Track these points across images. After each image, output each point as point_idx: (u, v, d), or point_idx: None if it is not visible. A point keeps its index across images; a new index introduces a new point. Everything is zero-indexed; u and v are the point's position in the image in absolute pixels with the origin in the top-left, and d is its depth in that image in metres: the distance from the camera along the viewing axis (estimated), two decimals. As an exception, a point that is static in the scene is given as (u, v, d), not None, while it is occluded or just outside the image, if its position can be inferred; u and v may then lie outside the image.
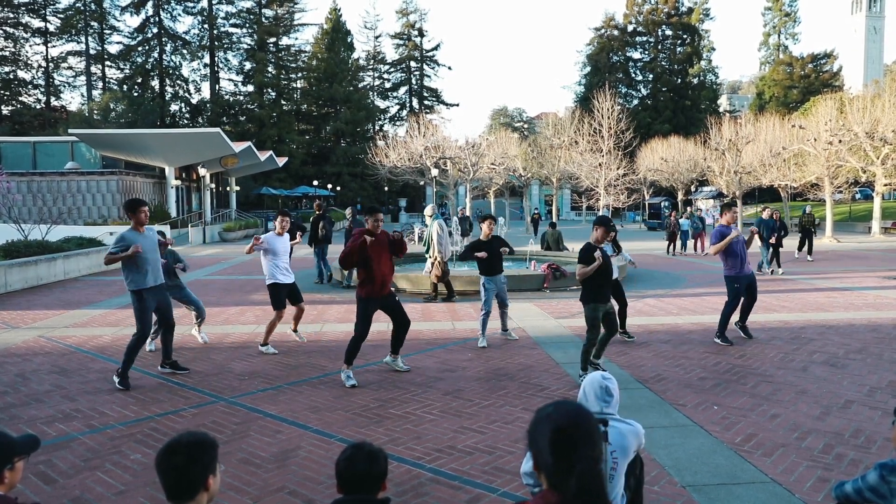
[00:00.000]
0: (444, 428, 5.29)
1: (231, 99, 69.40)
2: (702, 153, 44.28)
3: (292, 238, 8.90)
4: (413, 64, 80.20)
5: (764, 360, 7.46)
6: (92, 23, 64.62)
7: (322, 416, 5.62)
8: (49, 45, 63.95)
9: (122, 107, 54.22)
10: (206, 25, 67.94)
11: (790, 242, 20.92)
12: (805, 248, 20.00)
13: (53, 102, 64.57)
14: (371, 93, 78.24)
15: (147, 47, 66.73)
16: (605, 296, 6.75)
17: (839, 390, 6.22)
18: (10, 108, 60.61)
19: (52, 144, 38.89)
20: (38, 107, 62.56)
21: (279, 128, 64.42)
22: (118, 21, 73.59)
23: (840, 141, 29.71)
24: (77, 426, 5.45)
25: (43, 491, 4.19)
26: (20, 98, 62.04)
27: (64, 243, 17.80)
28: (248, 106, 68.07)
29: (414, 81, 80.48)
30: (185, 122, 66.88)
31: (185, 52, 67.58)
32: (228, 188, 48.43)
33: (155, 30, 66.35)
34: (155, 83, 66.74)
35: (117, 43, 67.15)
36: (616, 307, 7.80)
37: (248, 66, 69.15)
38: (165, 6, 66.31)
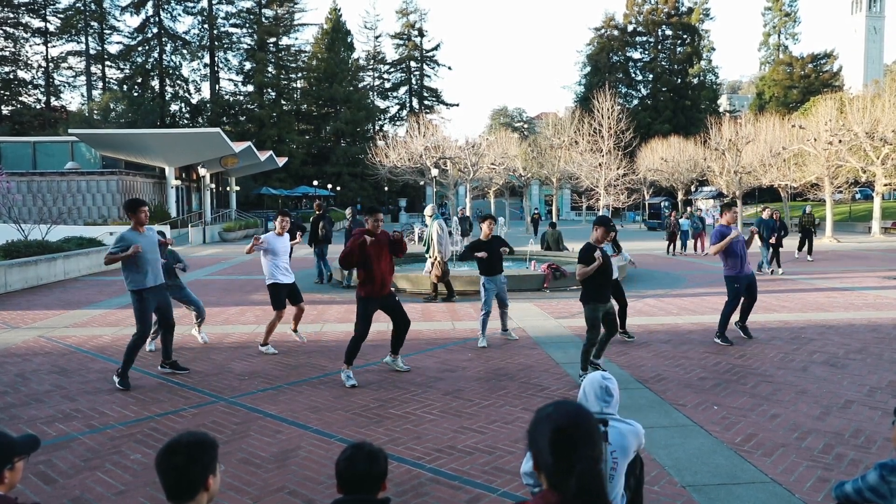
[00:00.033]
0: (444, 428, 5.29)
1: (231, 99, 69.42)
2: (702, 153, 44.28)
3: (292, 238, 8.90)
4: (413, 64, 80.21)
5: (764, 360, 7.47)
6: (92, 23, 64.64)
7: (322, 416, 5.62)
8: (49, 45, 64.02)
9: (122, 107, 54.23)
10: (206, 25, 67.96)
11: (790, 242, 20.92)
12: (805, 248, 20.00)
13: (53, 102, 64.59)
14: (371, 93, 78.25)
15: (147, 47, 66.75)
16: (605, 296, 6.75)
17: (839, 390, 6.22)
18: (10, 108, 60.62)
19: (52, 144, 38.90)
20: (38, 107, 62.57)
21: (279, 128, 64.43)
22: (118, 21, 73.72)
23: (840, 141, 29.71)
24: (77, 426, 5.45)
25: (43, 491, 4.19)
26: (20, 98, 62.06)
27: (64, 243, 17.81)
28: (248, 106, 68.09)
29: (414, 81, 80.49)
30: (185, 122, 66.89)
31: (185, 52, 67.62)
32: (228, 188, 48.44)
33: (155, 30, 66.37)
34: (155, 83, 66.76)
35: (117, 43, 67.29)
36: (616, 307, 7.80)
37: (248, 66, 69.19)
38: (165, 6, 66.33)
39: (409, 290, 13.24)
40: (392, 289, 6.93)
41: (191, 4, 67.40)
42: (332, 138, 72.63)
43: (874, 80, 62.70)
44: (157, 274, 6.72)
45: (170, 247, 8.08)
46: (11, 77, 61.16)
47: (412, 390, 6.37)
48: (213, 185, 43.86)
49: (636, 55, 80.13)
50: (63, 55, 65.05)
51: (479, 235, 8.82)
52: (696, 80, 75.82)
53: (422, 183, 45.41)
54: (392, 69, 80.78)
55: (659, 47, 78.54)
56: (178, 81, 67.56)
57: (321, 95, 69.40)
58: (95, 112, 53.45)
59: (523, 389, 6.37)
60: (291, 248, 8.63)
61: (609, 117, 46.80)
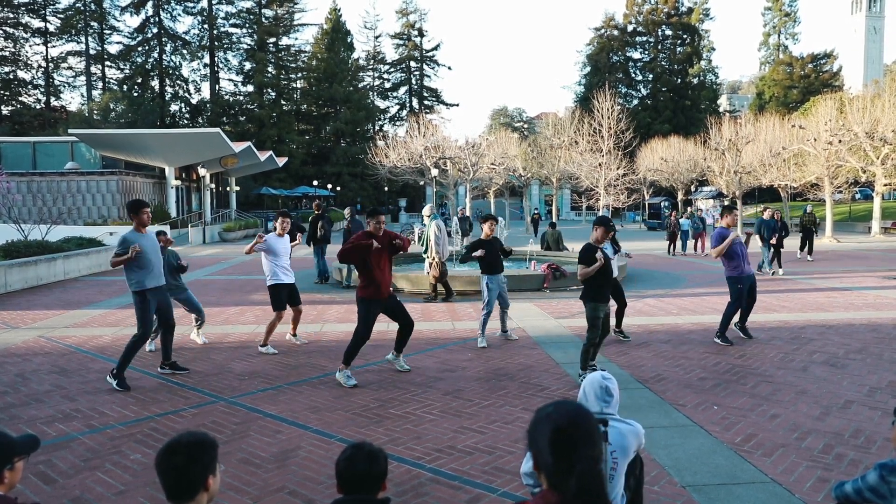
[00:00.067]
0: (444, 428, 5.29)
1: (231, 99, 69.41)
2: (702, 153, 44.29)
3: (293, 240, 8.91)
4: (413, 64, 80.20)
5: (764, 360, 7.47)
6: (92, 23, 64.61)
7: (322, 416, 5.62)
8: (49, 45, 63.99)
9: (122, 107, 54.23)
10: (206, 25, 67.94)
11: (791, 242, 20.90)
12: (805, 248, 20.00)
13: (53, 102, 64.58)
14: (371, 93, 78.23)
15: (147, 47, 66.73)
16: (605, 295, 6.79)
17: (839, 390, 6.22)
18: (10, 108, 60.60)
19: (52, 144, 38.91)
20: (38, 107, 62.55)
21: (279, 128, 64.41)
22: (118, 21, 73.62)
23: (840, 141, 29.72)
24: (77, 426, 5.45)
25: (43, 491, 4.19)
26: (20, 98, 62.03)
27: (64, 243, 17.81)
28: (248, 106, 68.07)
29: (414, 81, 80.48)
30: (185, 122, 66.88)
31: (185, 52, 67.60)
32: (228, 188, 48.44)
33: (155, 30, 66.35)
34: (155, 83, 66.74)
35: (117, 43, 67.23)
36: (613, 307, 7.82)
37: (248, 66, 69.17)
38: (165, 6, 66.31)
39: (410, 291, 13.24)
40: (391, 289, 6.93)
41: (191, 4, 67.41)
42: (332, 138, 72.62)
43: (874, 80, 62.72)
44: (159, 275, 6.74)
45: (170, 247, 8.11)
46: (11, 77, 61.14)
47: (412, 390, 6.37)
48: (213, 186, 43.86)
49: (636, 55, 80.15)
50: (63, 55, 65.10)
51: (480, 235, 8.83)
52: (696, 80, 75.82)
53: (422, 183, 45.41)
54: (392, 69, 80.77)
55: (659, 47, 78.54)
56: (178, 81, 67.55)
57: (321, 95, 69.39)
58: (95, 112, 53.45)
59: (523, 389, 6.37)
60: (291, 250, 8.64)
61: (609, 117, 46.81)
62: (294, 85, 72.05)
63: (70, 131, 37.60)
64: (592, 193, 47.53)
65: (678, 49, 77.72)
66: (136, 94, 61.55)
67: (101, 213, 33.24)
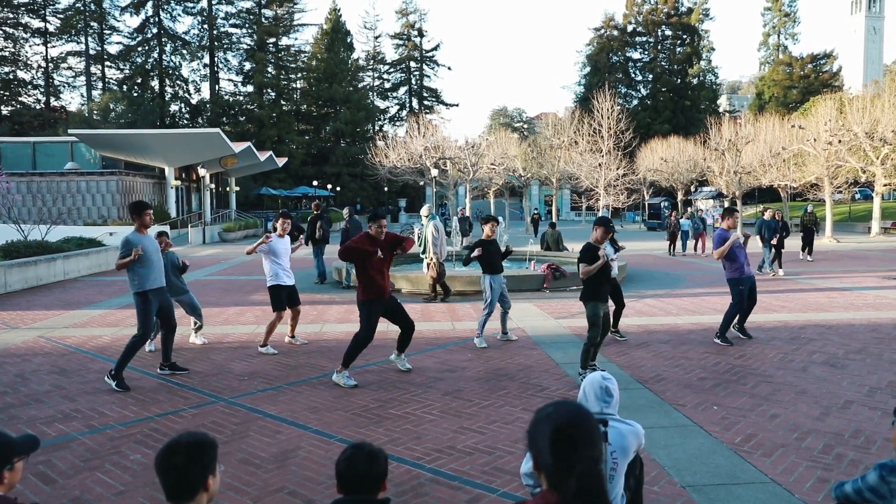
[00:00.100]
0: (444, 428, 5.29)
1: (231, 99, 69.41)
2: (701, 153, 44.31)
3: (294, 241, 8.92)
4: (413, 64, 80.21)
5: (764, 360, 7.47)
6: (92, 23, 64.61)
7: (322, 417, 5.62)
8: (49, 45, 64.01)
9: (121, 107, 54.23)
10: (205, 26, 67.94)
11: (793, 242, 20.89)
12: (806, 248, 20.01)
13: (53, 103, 64.57)
14: (371, 93, 78.24)
15: (147, 47, 66.74)
16: (604, 295, 6.83)
17: (839, 390, 6.22)
18: (9, 108, 60.59)
19: (51, 145, 38.93)
20: (38, 107, 62.54)
21: (279, 128, 64.42)
22: (118, 21, 73.57)
23: (840, 141, 29.73)
24: (77, 426, 5.45)
25: (43, 491, 4.19)
26: (20, 98, 62.03)
27: (64, 244, 17.81)
28: (248, 106, 68.07)
29: (413, 82, 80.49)
30: (185, 122, 66.88)
31: (184, 52, 67.60)
32: (228, 188, 48.44)
33: (155, 30, 66.36)
34: (155, 83, 66.75)
35: (117, 43, 67.21)
36: (612, 308, 7.83)
37: (247, 66, 69.17)
38: (165, 6, 66.32)
39: (409, 291, 13.24)
40: (390, 290, 6.94)
41: (190, 4, 67.41)
42: (332, 138, 72.61)
43: (874, 81, 62.70)
44: (161, 276, 6.76)
45: (170, 249, 8.13)
46: (11, 77, 61.15)
47: (412, 390, 6.37)
48: (213, 186, 43.87)
49: (636, 55, 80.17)
50: (63, 55, 65.11)
51: (482, 236, 8.85)
52: (695, 81, 75.85)
53: (421, 183, 45.41)
54: (392, 69, 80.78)
55: (658, 47, 78.56)
56: (178, 81, 67.56)
57: (321, 96, 69.40)
58: (95, 112, 53.46)
59: (523, 389, 6.37)
60: (292, 250, 8.66)
61: (609, 117, 46.82)
62: (294, 85, 72.06)
63: (70, 131, 37.61)
64: (592, 194, 47.54)
65: (678, 49, 77.75)
66: (136, 95, 61.56)
67: (101, 213, 33.25)
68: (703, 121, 43.90)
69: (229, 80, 70.80)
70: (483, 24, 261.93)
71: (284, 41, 71.45)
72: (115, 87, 64.11)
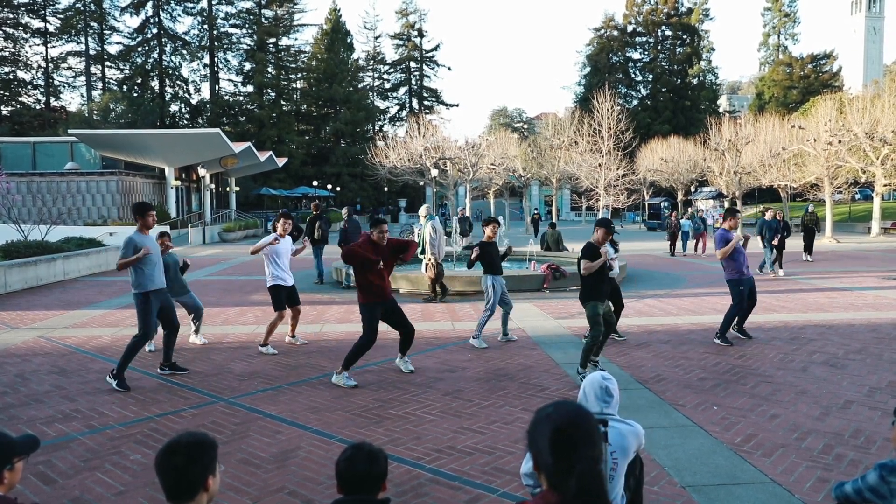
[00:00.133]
0: (444, 428, 5.29)
1: (231, 99, 69.41)
2: (701, 153, 44.32)
3: (295, 241, 8.93)
4: (413, 64, 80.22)
5: (764, 360, 7.47)
6: (92, 23, 64.60)
7: (322, 417, 5.62)
8: (49, 45, 63.99)
9: (121, 107, 54.22)
10: (205, 26, 67.94)
11: (794, 242, 20.87)
12: (807, 249, 20.01)
13: (53, 103, 64.57)
14: (371, 93, 78.25)
15: (147, 48, 66.73)
16: (603, 294, 6.86)
17: (839, 391, 6.22)
18: (9, 108, 60.58)
19: (51, 145, 38.92)
20: (38, 107, 62.53)
21: (279, 128, 64.42)
22: (118, 21, 73.57)
23: (840, 141, 29.74)
24: (77, 426, 5.45)
25: (43, 491, 4.19)
26: (20, 98, 62.01)
27: (64, 244, 17.81)
28: (248, 106, 68.07)
29: (413, 82, 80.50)
30: (185, 122, 66.87)
31: (184, 52, 67.60)
32: (228, 189, 48.44)
33: (155, 30, 66.36)
34: (155, 83, 66.75)
35: (117, 43, 67.20)
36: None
37: (247, 66, 69.18)
38: (165, 6, 66.32)
39: (409, 291, 13.24)
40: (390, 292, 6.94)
41: (190, 5, 67.41)
42: (332, 139, 72.62)
43: (874, 81, 62.71)
44: (162, 277, 6.78)
45: (171, 250, 8.15)
46: (11, 77, 61.13)
47: (412, 391, 6.37)
48: (213, 186, 43.87)
49: (636, 55, 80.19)
50: (63, 55, 65.09)
51: (483, 237, 8.86)
52: (695, 81, 75.87)
53: (421, 183, 45.41)
54: (392, 69, 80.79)
55: (658, 48, 78.57)
56: (178, 82, 67.56)
57: (321, 96, 69.41)
58: (95, 112, 53.45)
59: (523, 390, 6.37)
60: (297, 252, 8.69)
61: (609, 118, 46.82)
62: (294, 85, 72.07)
63: (70, 131, 37.60)
64: (592, 194, 47.54)
65: (678, 49, 77.76)
66: (135, 95, 61.55)
67: (101, 213, 33.24)
68: (703, 121, 43.91)
69: (229, 80, 70.91)
70: (483, 25, 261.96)
71: (284, 41, 71.53)
72: (115, 87, 64.10)
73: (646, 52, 79.30)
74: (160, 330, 7.18)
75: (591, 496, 1.64)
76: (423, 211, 13.24)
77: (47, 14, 62.85)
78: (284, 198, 61.76)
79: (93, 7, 63.93)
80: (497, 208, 54.58)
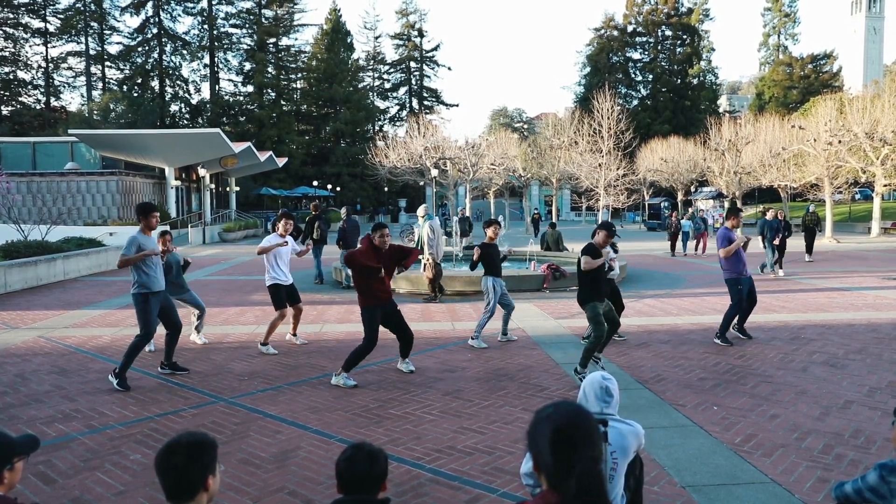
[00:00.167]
0: (444, 428, 5.29)
1: (231, 99, 69.40)
2: (701, 153, 44.33)
3: (296, 239, 8.95)
4: (413, 64, 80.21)
5: (764, 360, 7.47)
6: (92, 23, 64.57)
7: (322, 417, 5.62)
8: (49, 45, 63.95)
9: (121, 107, 54.21)
10: (205, 26, 67.92)
11: (795, 242, 20.87)
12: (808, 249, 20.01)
13: (53, 103, 64.54)
14: (371, 93, 78.24)
15: (147, 48, 66.72)
16: (601, 294, 6.86)
17: (839, 391, 6.22)
18: (9, 108, 60.55)
19: (51, 145, 38.90)
20: (38, 107, 62.51)
21: (279, 128, 64.41)
22: (118, 21, 73.56)
23: (840, 141, 29.74)
24: (77, 426, 5.45)
25: (42, 491, 4.19)
26: (20, 98, 61.98)
27: (64, 244, 17.81)
28: (248, 106, 68.06)
29: (414, 82, 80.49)
30: (185, 122, 66.86)
31: (184, 52, 67.58)
32: (228, 188, 48.44)
33: (155, 30, 66.34)
34: (155, 83, 66.74)
35: (117, 43, 67.16)
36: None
37: (247, 66, 69.16)
38: (165, 6, 66.30)
39: (409, 291, 13.24)
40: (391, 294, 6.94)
41: (191, 5, 67.39)
42: (332, 139, 72.60)
43: (874, 81, 62.70)
44: (161, 279, 6.80)
45: (174, 251, 8.16)
46: (11, 77, 61.10)
47: (412, 390, 6.37)
48: (213, 186, 43.86)
49: (636, 56, 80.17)
50: (63, 55, 65.05)
51: (484, 239, 8.87)
52: (695, 81, 75.85)
53: (421, 183, 45.40)
54: (392, 69, 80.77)
55: (659, 48, 78.56)
56: (178, 82, 67.53)
57: (321, 96, 69.40)
58: (95, 112, 53.43)
59: (523, 390, 6.37)
60: (301, 254, 8.71)
61: (609, 118, 46.78)
62: (294, 85, 72.06)
63: (70, 131, 37.59)
64: (592, 194, 47.49)
65: (678, 49, 77.75)
66: (136, 95, 61.53)
67: (101, 213, 33.23)
68: (703, 121, 43.92)
69: (229, 80, 70.87)
70: (483, 25, 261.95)
71: (284, 41, 71.49)
72: (115, 87, 64.08)
73: (646, 52, 79.30)
74: (161, 329, 7.19)
75: (591, 496, 1.64)
76: (421, 211, 13.25)
77: (47, 14, 62.85)
78: (284, 198, 61.76)
79: (93, 7, 63.92)
80: (497, 208, 54.58)
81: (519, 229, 43.35)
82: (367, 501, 2.26)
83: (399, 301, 7.08)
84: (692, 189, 50.63)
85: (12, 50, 61.04)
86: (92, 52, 64.78)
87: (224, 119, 66.77)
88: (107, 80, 65.92)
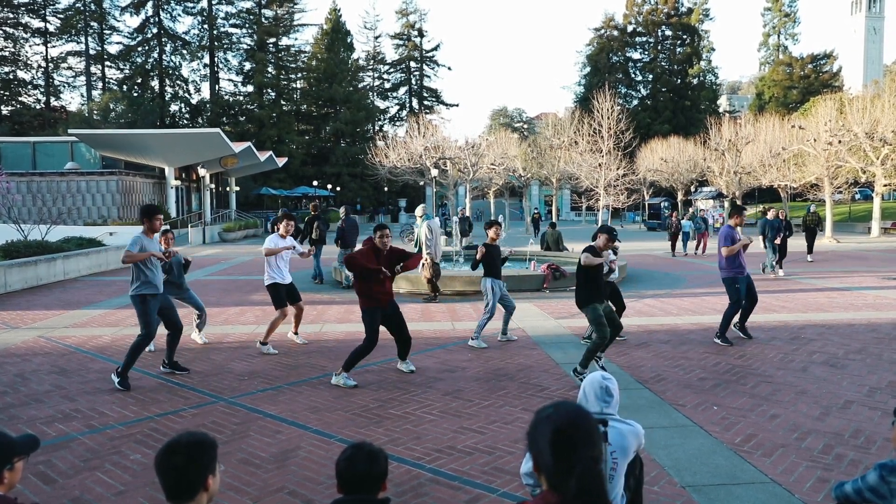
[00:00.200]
0: (444, 428, 5.29)
1: (231, 99, 69.38)
2: (701, 153, 44.33)
3: (297, 239, 8.96)
4: (413, 64, 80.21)
5: (764, 360, 7.47)
6: (92, 23, 64.56)
7: (322, 417, 5.62)
8: (49, 45, 63.94)
9: (121, 107, 54.20)
10: (205, 26, 67.91)
11: (796, 242, 20.86)
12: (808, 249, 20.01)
13: (53, 102, 64.53)
14: (371, 93, 78.23)
15: (147, 47, 66.71)
16: (600, 295, 6.85)
17: (839, 391, 6.22)
18: (9, 108, 60.54)
19: (51, 145, 38.89)
20: (38, 107, 62.50)
21: (279, 128, 64.40)
22: (118, 21, 73.50)
23: (840, 141, 29.75)
24: (77, 426, 5.45)
25: (43, 491, 4.19)
26: (20, 98, 61.97)
27: (63, 243, 17.80)
28: (248, 106, 68.05)
29: (414, 82, 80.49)
30: (185, 122, 66.85)
31: (184, 52, 67.57)
32: (228, 188, 48.44)
33: (155, 30, 66.33)
34: (155, 83, 66.73)
35: (117, 43, 67.15)
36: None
37: (247, 66, 69.15)
38: (165, 6, 66.29)
39: (409, 291, 13.24)
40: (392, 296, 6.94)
41: (191, 4, 67.38)
42: (332, 138, 72.60)
43: (874, 81, 62.70)
44: (161, 280, 6.81)
45: (177, 253, 8.17)
46: (11, 77, 61.09)
47: (412, 390, 6.37)
48: (213, 186, 43.85)
49: (636, 55, 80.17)
50: (63, 55, 65.03)
51: (486, 240, 8.87)
52: (695, 81, 75.85)
53: (421, 183, 45.39)
54: (392, 69, 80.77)
55: (659, 48, 78.56)
56: (178, 82, 67.53)
57: (321, 96, 69.39)
58: (95, 112, 53.43)
59: (523, 390, 6.37)
60: (305, 255, 8.74)
61: (609, 117, 46.77)
62: (294, 85, 72.04)
63: (70, 131, 37.58)
64: (592, 194, 47.48)
65: (678, 49, 77.75)
66: (136, 94, 61.52)
67: (101, 213, 33.23)
68: (703, 121, 43.93)
69: (229, 80, 70.85)
70: (483, 25, 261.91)
71: (284, 41, 71.47)
72: (115, 87, 64.06)
73: (646, 52, 79.29)
74: (162, 330, 7.19)
75: (591, 496, 1.64)
76: (419, 211, 13.25)
77: (47, 14, 62.84)
78: (284, 198, 61.75)
79: (93, 7, 63.91)
80: (497, 208, 54.56)
81: (519, 229, 43.37)
82: (367, 501, 2.26)
83: (399, 301, 7.07)
84: (692, 189, 50.63)
85: (12, 50, 61.04)
86: (92, 52, 64.78)
87: (224, 119, 66.76)
88: (107, 79, 65.93)
